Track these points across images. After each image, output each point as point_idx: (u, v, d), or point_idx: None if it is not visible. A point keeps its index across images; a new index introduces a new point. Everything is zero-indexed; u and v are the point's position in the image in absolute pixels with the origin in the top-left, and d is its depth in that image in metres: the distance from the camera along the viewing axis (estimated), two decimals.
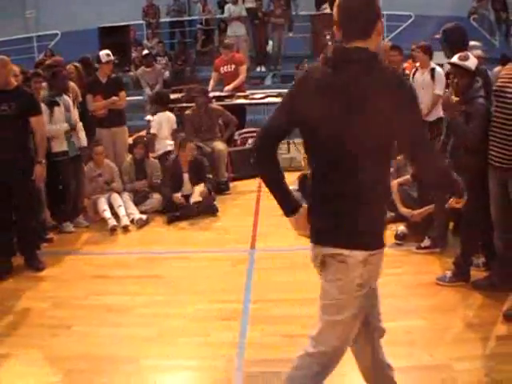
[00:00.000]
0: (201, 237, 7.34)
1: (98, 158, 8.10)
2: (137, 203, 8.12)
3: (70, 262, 6.64)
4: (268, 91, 11.94)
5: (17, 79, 6.53)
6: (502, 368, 4.16)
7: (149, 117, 10.15)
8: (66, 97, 7.44)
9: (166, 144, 9.35)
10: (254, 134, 10.73)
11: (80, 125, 7.67)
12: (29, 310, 5.44)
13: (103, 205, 7.83)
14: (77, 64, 8.80)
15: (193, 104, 9.63)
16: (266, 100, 11.00)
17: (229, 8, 15.16)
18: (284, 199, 3.11)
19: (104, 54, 8.66)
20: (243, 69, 11.28)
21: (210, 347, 4.67)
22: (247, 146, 10.54)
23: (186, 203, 8.01)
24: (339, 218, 2.91)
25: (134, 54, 15.21)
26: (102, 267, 6.44)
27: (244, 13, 15.15)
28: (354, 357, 3.31)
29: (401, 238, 6.58)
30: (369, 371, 3.32)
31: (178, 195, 8.03)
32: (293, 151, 10.58)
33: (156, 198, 8.26)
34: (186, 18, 17.19)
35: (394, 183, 6.75)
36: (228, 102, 10.57)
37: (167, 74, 14.47)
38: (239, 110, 10.63)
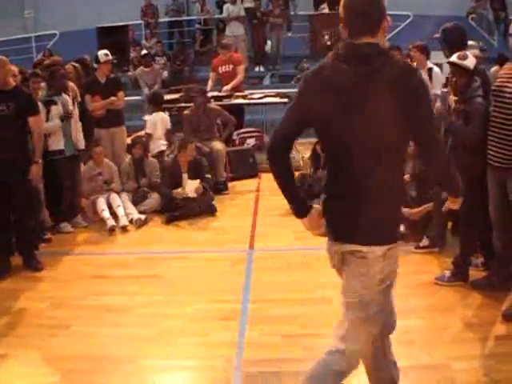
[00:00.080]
0: (199, 237, 7.34)
1: (97, 158, 8.11)
2: (135, 203, 8.12)
3: (68, 262, 6.64)
4: (266, 91, 11.95)
5: (15, 79, 6.53)
6: (501, 368, 4.16)
7: (147, 117, 10.15)
8: (65, 96, 7.44)
9: (160, 144, 9.40)
10: (253, 134, 10.77)
11: (79, 126, 7.67)
12: (27, 311, 5.43)
13: (102, 205, 7.82)
14: (75, 64, 8.79)
15: (191, 104, 9.63)
16: (264, 100, 11.02)
17: (227, 8, 15.16)
18: (296, 201, 3.15)
19: (102, 53, 8.66)
20: (241, 69, 11.28)
21: (208, 347, 4.67)
22: (245, 145, 10.56)
23: (186, 198, 7.99)
24: (356, 215, 2.93)
25: (132, 54, 15.21)
26: (101, 267, 6.43)
27: (242, 13, 15.15)
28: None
29: (399, 238, 6.57)
30: (371, 367, 3.34)
31: (178, 190, 8.01)
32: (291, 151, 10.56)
33: (154, 198, 8.26)
34: (185, 17, 17.17)
35: None
36: (226, 101, 10.57)
37: (166, 73, 14.48)
38: (237, 110, 10.63)
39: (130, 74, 14.61)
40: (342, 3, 2.93)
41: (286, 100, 10.74)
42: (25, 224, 6.38)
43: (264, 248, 6.79)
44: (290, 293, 5.53)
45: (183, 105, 10.34)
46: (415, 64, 8.14)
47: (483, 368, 4.17)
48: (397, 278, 3.13)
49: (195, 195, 8.04)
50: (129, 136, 9.12)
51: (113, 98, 8.55)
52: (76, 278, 6.16)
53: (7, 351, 4.66)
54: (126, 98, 9.33)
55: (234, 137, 10.65)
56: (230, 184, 9.44)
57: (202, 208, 8.06)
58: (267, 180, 9.51)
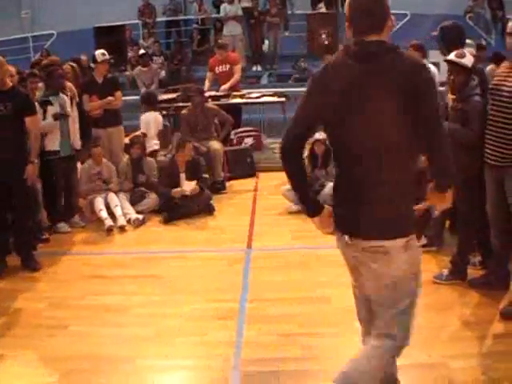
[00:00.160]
0: (197, 236, 7.34)
1: (96, 159, 8.12)
2: (133, 203, 8.12)
3: (66, 262, 6.64)
4: (264, 90, 11.94)
5: (13, 79, 6.53)
6: (499, 366, 4.16)
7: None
8: (62, 96, 7.43)
9: (153, 143, 9.45)
10: (250, 134, 10.77)
11: (76, 126, 7.67)
12: (25, 311, 5.43)
13: (100, 204, 7.82)
14: (73, 64, 8.79)
15: (189, 103, 9.63)
16: (261, 99, 11.02)
17: (225, 7, 15.14)
18: (308, 200, 3.19)
19: (99, 53, 8.65)
20: (238, 68, 11.28)
21: (206, 347, 4.67)
22: (243, 145, 10.56)
23: (184, 197, 7.98)
24: (374, 211, 2.98)
25: (130, 54, 15.19)
26: (99, 267, 6.43)
27: (240, 12, 15.13)
28: (362, 342, 3.41)
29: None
30: None
31: (177, 189, 8.00)
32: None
33: (152, 198, 8.25)
34: (182, 17, 17.14)
35: None
36: (224, 101, 10.57)
37: (163, 73, 14.47)
38: (235, 110, 10.64)
39: (127, 73, 14.59)
40: (346, 2, 2.98)
41: (283, 99, 10.75)
42: (23, 224, 6.37)
43: (262, 247, 6.79)
44: (288, 292, 5.54)
45: (181, 104, 10.34)
46: None
47: (481, 366, 4.18)
48: None
49: (189, 193, 8.03)
50: (127, 136, 9.11)
51: (110, 98, 8.54)
52: (74, 277, 6.16)
53: (5, 352, 4.66)
54: (124, 98, 9.31)
55: (232, 136, 10.64)
56: (227, 183, 9.43)
57: (199, 207, 8.06)
58: (265, 179, 9.54)
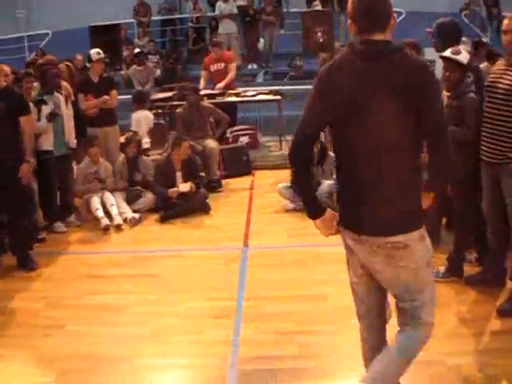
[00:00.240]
0: (194, 235, 7.34)
1: (93, 159, 8.11)
2: (130, 202, 8.11)
3: (63, 261, 6.63)
4: (259, 89, 11.93)
5: (7, 79, 6.51)
6: (496, 363, 4.17)
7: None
8: (57, 95, 7.42)
9: (143, 142, 9.43)
10: (246, 132, 10.77)
11: (71, 125, 7.66)
12: (22, 311, 5.42)
13: (96, 204, 7.81)
14: (68, 63, 8.78)
15: (184, 102, 9.62)
16: (257, 97, 11.00)
17: (219, 6, 15.12)
18: (311, 203, 3.19)
19: (94, 52, 8.63)
20: (233, 66, 11.27)
21: (203, 345, 4.68)
22: (239, 143, 10.56)
23: (181, 195, 7.98)
24: (386, 206, 3.00)
25: (125, 53, 15.13)
26: (96, 267, 6.43)
27: (235, 10, 15.11)
28: (361, 339, 3.46)
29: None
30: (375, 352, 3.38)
31: (174, 189, 8.00)
32: (285, 148, 10.57)
33: (148, 197, 8.24)
34: (177, 16, 17.15)
35: None
36: (219, 99, 10.56)
37: (158, 72, 14.45)
38: (230, 108, 10.63)
39: (122, 72, 14.55)
40: (350, 0, 2.98)
41: (279, 97, 10.75)
42: (18, 224, 6.36)
43: (258, 245, 6.79)
44: (285, 290, 5.54)
45: (176, 103, 10.32)
46: None
47: (478, 364, 4.19)
48: None
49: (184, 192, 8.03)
50: (122, 135, 9.10)
51: (106, 97, 8.53)
52: (71, 277, 6.15)
53: (2, 352, 4.66)
54: (119, 97, 9.30)
55: (228, 135, 10.64)
56: (223, 182, 9.42)
57: (196, 206, 8.06)
58: (261, 177, 9.55)
